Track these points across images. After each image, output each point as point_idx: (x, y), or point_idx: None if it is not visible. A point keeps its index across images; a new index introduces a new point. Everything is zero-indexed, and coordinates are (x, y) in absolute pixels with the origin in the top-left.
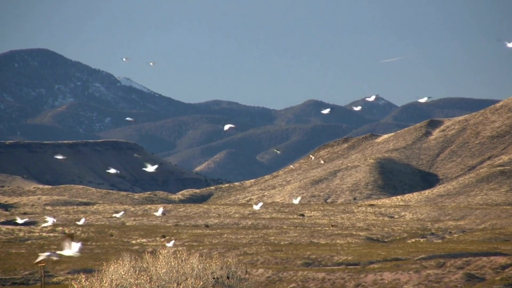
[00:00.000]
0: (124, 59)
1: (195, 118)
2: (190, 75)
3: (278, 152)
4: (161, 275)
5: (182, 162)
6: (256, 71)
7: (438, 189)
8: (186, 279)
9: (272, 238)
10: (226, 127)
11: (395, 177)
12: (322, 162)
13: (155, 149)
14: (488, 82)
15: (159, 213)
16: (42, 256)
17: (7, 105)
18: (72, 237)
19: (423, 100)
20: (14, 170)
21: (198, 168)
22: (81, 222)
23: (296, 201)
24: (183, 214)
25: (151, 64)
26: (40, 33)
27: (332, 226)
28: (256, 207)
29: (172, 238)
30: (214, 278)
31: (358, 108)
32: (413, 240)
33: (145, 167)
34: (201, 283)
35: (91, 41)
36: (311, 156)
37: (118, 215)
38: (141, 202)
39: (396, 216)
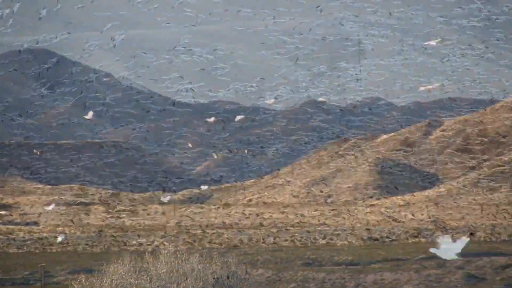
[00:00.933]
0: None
1: (195, 118)
2: (190, 75)
3: None
4: (161, 275)
5: (182, 162)
6: (256, 70)
7: (438, 189)
8: (186, 279)
9: (272, 238)
10: (89, 114)
11: (395, 177)
12: (214, 156)
13: (155, 149)
14: (488, 82)
15: (50, 208)
16: None
17: (7, 105)
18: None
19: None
20: (14, 170)
21: (198, 168)
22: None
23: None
24: (183, 214)
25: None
26: (40, 33)
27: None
28: (203, 188)
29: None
30: (214, 278)
31: (271, 102)
32: (413, 240)
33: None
34: (201, 283)
35: (91, 41)
36: (212, 153)
37: (165, 199)
38: (141, 202)
39: (396, 216)
